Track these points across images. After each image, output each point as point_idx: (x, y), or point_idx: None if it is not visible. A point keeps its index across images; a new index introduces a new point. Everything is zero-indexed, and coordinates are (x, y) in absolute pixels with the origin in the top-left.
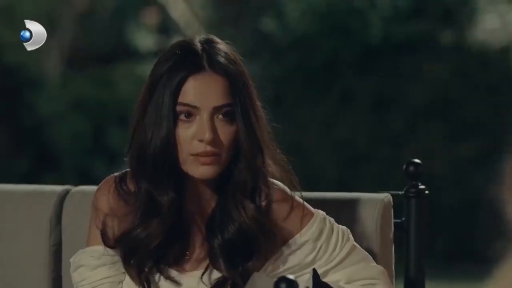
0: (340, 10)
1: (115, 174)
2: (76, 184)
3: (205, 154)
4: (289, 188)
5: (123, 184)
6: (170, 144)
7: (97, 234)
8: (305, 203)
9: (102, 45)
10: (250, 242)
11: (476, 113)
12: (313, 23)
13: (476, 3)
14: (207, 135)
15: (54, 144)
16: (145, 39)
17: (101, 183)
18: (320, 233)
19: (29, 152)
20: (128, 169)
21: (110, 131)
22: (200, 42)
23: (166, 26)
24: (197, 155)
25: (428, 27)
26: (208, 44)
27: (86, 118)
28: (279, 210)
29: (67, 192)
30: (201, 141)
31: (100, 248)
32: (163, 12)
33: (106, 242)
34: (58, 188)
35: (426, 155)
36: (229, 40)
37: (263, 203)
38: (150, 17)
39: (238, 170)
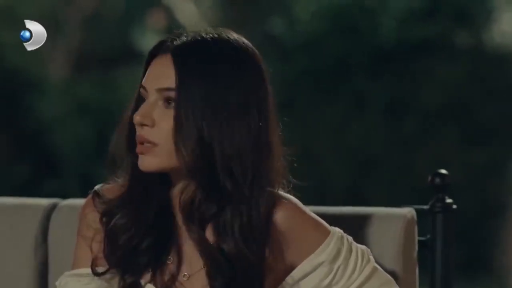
0: (351, 11)
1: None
2: (64, 198)
3: (139, 140)
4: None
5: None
6: (130, 132)
7: (84, 255)
8: (319, 218)
9: (107, 48)
10: (247, 267)
11: (493, 118)
12: (323, 24)
13: (493, 3)
14: (137, 117)
15: (56, 149)
16: (151, 42)
17: (88, 196)
18: (337, 253)
19: (31, 158)
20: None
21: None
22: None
23: (172, 29)
24: (137, 142)
25: (442, 28)
26: (201, 31)
27: (90, 122)
28: (288, 227)
29: (54, 206)
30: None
31: (87, 270)
32: (170, 14)
33: (94, 269)
34: (45, 201)
35: (441, 161)
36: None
37: (262, 218)
38: (157, 19)
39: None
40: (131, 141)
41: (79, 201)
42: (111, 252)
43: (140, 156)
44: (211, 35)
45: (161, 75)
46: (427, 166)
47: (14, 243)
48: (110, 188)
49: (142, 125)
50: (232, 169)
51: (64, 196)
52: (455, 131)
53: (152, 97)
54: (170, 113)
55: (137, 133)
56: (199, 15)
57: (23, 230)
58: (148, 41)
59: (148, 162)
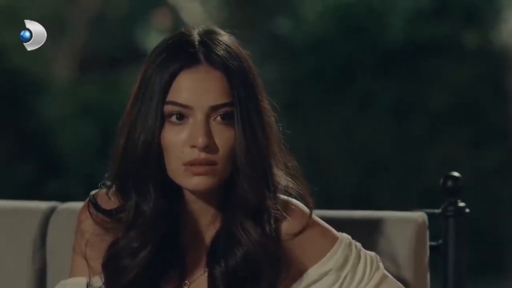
0: (358, 11)
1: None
2: (67, 199)
3: (199, 163)
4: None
5: (102, 205)
6: (153, 150)
7: (81, 263)
8: (327, 225)
9: (111, 48)
10: (257, 272)
11: (502, 119)
12: (330, 25)
13: (501, 2)
14: (201, 140)
15: (60, 150)
16: (156, 42)
17: (85, 202)
18: (345, 261)
19: (33, 159)
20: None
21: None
22: (199, 33)
23: (177, 29)
24: (189, 164)
25: (450, 28)
26: (208, 35)
27: (93, 123)
28: (295, 235)
29: (53, 209)
30: (193, 147)
31: (84, 280)
32: (175, 14)
33: (90, 284)
34: (43, 205)
35: (450, 163)
36: (244, 43)
37: (272, 226)
38: (162, 19)
39: (238, 184)
40: (158, 162)
41: (78, 205)
42: (112, 277)
43: (195, 177)
44: (235, 44)
45: (214, 91)
46: (436, 169)
47: (13, 247)
48: (103, 194)
49: (206, 147)
50: (272, 169)
51: (67, 197)
52: (464, 133)
53: (201, 115)
54: (226, 129)
55: (195, 157)
56: (205, 15)
57: (22, 234)
58: (153, 41)
59: (207, 182)
